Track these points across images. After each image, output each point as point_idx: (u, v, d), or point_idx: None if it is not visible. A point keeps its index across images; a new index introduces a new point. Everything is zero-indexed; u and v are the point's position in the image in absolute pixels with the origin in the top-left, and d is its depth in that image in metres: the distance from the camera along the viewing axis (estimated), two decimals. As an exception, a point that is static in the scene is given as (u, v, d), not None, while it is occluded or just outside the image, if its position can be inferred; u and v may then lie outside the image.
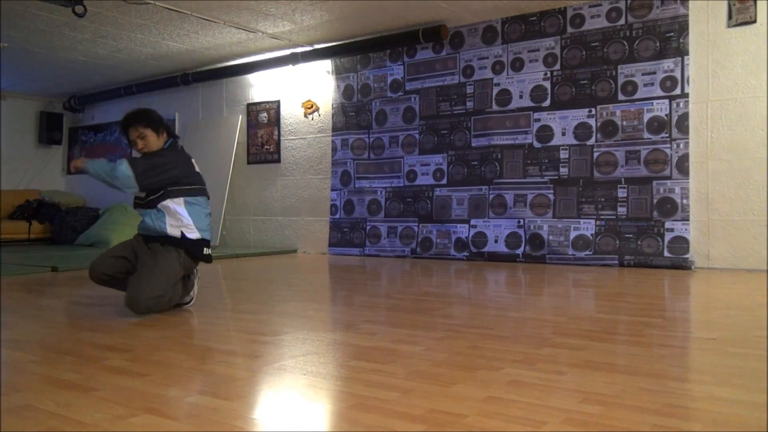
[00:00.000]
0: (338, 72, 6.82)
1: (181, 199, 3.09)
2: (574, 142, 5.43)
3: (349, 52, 6.59)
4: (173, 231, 3.06)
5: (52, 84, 8.68)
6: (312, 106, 7.04)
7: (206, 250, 3.17)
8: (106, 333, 2.58)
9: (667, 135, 5.02)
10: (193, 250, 3.11)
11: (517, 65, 5.71)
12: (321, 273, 5.18)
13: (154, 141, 3.11)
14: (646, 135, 5.10)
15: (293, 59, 6.88)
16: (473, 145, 5.94)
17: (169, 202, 3.06)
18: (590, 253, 5.26)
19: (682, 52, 4.96)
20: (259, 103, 7.50)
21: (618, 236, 5.18)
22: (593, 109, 5.34)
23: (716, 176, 4.87)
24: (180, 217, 3.08)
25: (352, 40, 6.51)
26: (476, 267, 5.31)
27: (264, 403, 1.70)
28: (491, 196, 5.82)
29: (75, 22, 5.82)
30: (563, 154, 5.47)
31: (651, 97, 5.08)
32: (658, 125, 5.05)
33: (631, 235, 5.13)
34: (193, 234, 3.10)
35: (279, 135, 7.32)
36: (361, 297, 3.64)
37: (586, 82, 5.38)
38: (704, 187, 4.91)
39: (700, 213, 4.92)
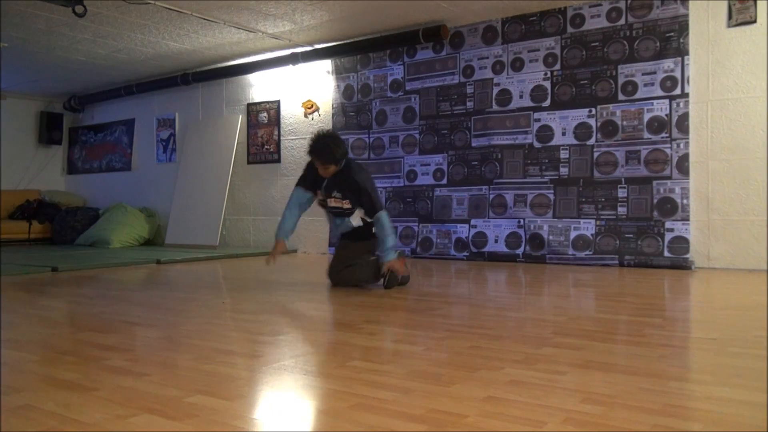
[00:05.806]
0: (338, 72, 6.82)
1: None
2: (574, 142, 5.43)
3: (349, 52, 6.58)
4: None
5: (52, 84, 8.68)
6: (312, 106, 7.04)
7: None
8: (106, 333, 2.58)
9: (667, 135, 5.02)
10: None
11: (517, 65, 5.71)
12: (321, 273, 5.17)
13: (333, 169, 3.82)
14: (646, 135, 5.10)
15: (293, 59, 6.88)
16: (473, 145, 5.94)
17: None
18: (590, 253, 5.26)
19: (682, 52, 4.95)
20: (259, 103, 7.50)
21: (618, 236, 5.18)
22: (593, 109, 5.34)
23: (716, 176, 4.87)
24: None
25: (352, 40, 6.51)
26: (476, 267, 5.31)
27: (264, 403, 1.70)
28: (491, 196, 5.82)
29: (75, 22, 5.82)
30: (563, 154, 5.47)
31: (651, 97, 5.08)
32: (658, 125, 5.05)
33: (631, 235, 5.13)
34: None
35: (279, 135, 7.32)
36: (362, 297, 3.64)
37: (586, 82, 5.37)
38: (704, 187, 4.91)
39: (700, 213, 4.92)
